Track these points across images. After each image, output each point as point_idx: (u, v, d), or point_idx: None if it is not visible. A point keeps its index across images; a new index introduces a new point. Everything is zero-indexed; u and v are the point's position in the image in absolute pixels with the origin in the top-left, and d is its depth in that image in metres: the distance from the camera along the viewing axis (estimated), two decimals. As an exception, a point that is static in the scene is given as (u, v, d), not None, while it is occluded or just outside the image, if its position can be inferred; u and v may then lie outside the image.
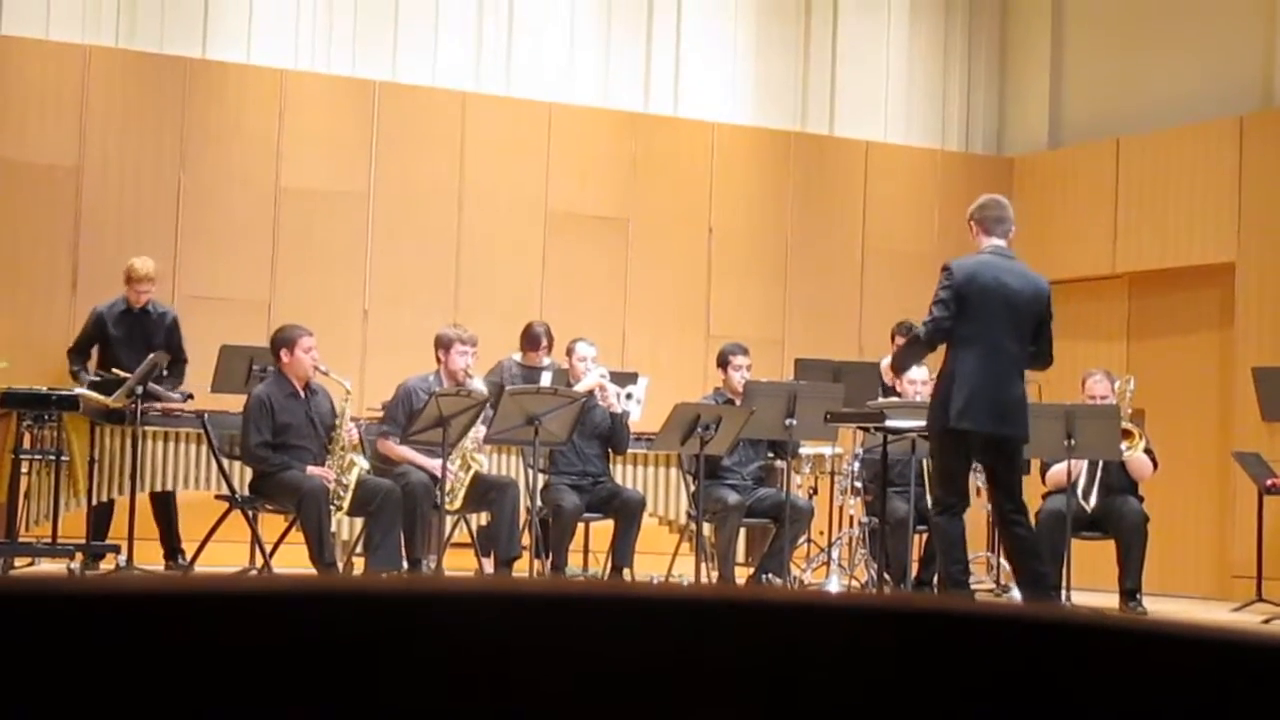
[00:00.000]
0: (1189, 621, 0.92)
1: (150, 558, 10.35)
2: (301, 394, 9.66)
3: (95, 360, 10.89)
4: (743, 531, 10.79)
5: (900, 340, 12.12)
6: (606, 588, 0.88)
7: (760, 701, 0.86)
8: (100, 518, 10.18)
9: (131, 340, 10.72)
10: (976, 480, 9.59)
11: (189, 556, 10.21)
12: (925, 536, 10.83)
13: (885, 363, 9.34)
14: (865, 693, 0.88)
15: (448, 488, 9.68)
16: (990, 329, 8.23)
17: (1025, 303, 8.36)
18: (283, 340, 9.71)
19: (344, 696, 0.84)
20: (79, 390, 9.90)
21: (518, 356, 11.22)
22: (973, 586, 9.31)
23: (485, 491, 9.92)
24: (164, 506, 10.71)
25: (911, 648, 0.89)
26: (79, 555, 9.73)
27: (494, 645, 0.84)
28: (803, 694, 0.86)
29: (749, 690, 0.85)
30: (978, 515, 9.32)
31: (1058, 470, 10.38)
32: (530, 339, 11.16)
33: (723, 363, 10.90)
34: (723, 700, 0.86)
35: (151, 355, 9.98)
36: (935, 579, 9.71)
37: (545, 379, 10.74)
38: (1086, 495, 10.66)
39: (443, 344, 10.10)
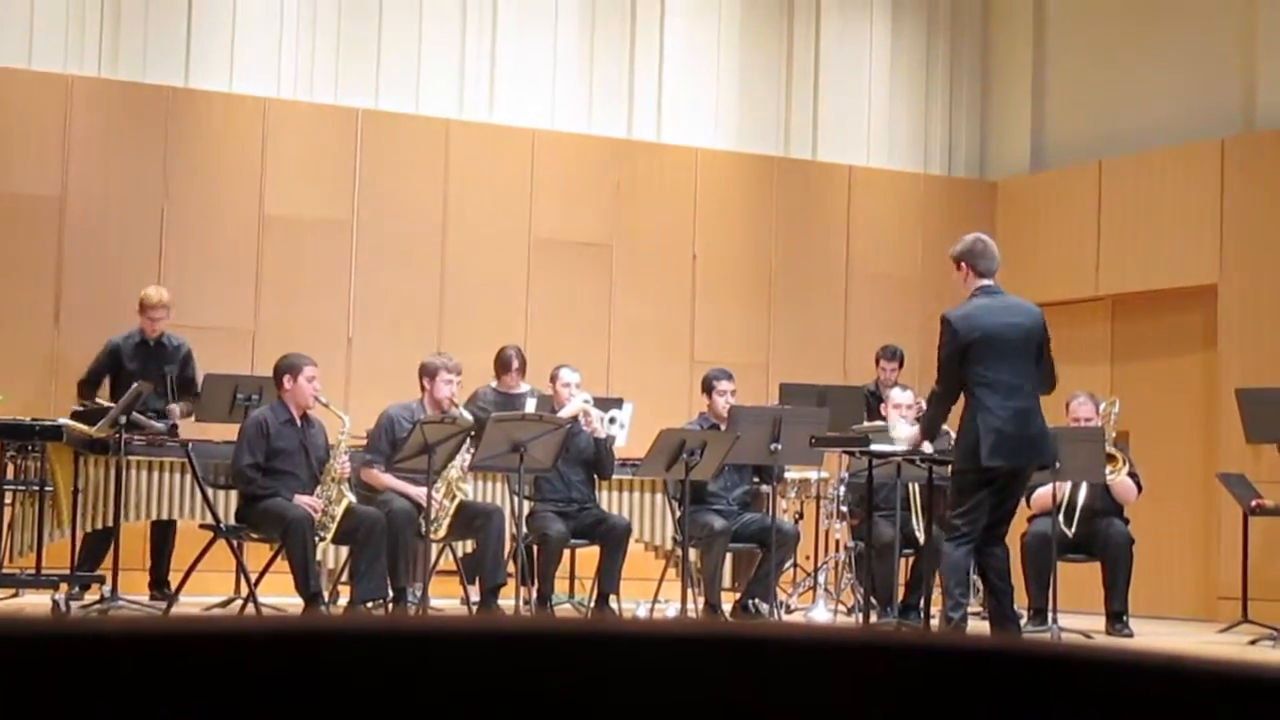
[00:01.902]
0: (1175, 652, 0.92)
1: (135, 588, 10.33)
2: (298, 422, 9.64)
3: (108, 392, 10.83)
4: (729, 557, 10.77)
5: (885, 365, 12.17)
6: (591, 625, 0.87)
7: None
8: (98, 544, 10.14)
9: (146, 371, 10.66)
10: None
11: (174, 586, 10.17)
12: (911, 560, 10.84)
13: (908, 433, 9.37)
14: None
15: (432, 516, 9.66)
16: (1000, 366, 8.35)
17: (1026, 335, 8.48)
18: (286, 367, 9.70)
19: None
20: (62, 420, 9.87)
21: (495, 384, 11.21)
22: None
23: (470, 519, 9.90)
24: (163, 536, 10.70)
25: (898, 682, 0.89)
26: (64, 586, 9.69)
27: (479, 684, 0.84)
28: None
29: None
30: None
31: (1042, 493, 10.40)
32: (501, 363, 11.15)
33: (707, 388, 10.90)
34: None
35: (135, 385, 9.95)
36: (922, 601, 9.72)
37: (530, 405, 10.73)
38: (1069, 518, 10.67)
39: (428, 372, 10.08)
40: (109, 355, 10.92)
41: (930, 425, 8.94)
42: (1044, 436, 8.50)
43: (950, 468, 8.70)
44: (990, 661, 0.89)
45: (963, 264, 8.63)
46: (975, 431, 8.32)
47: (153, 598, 10.52)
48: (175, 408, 10.78)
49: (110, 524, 9.78)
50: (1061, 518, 10.61)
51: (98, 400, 10.54)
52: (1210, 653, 0.91)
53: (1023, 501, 10.70)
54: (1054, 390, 8.84)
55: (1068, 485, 10.59)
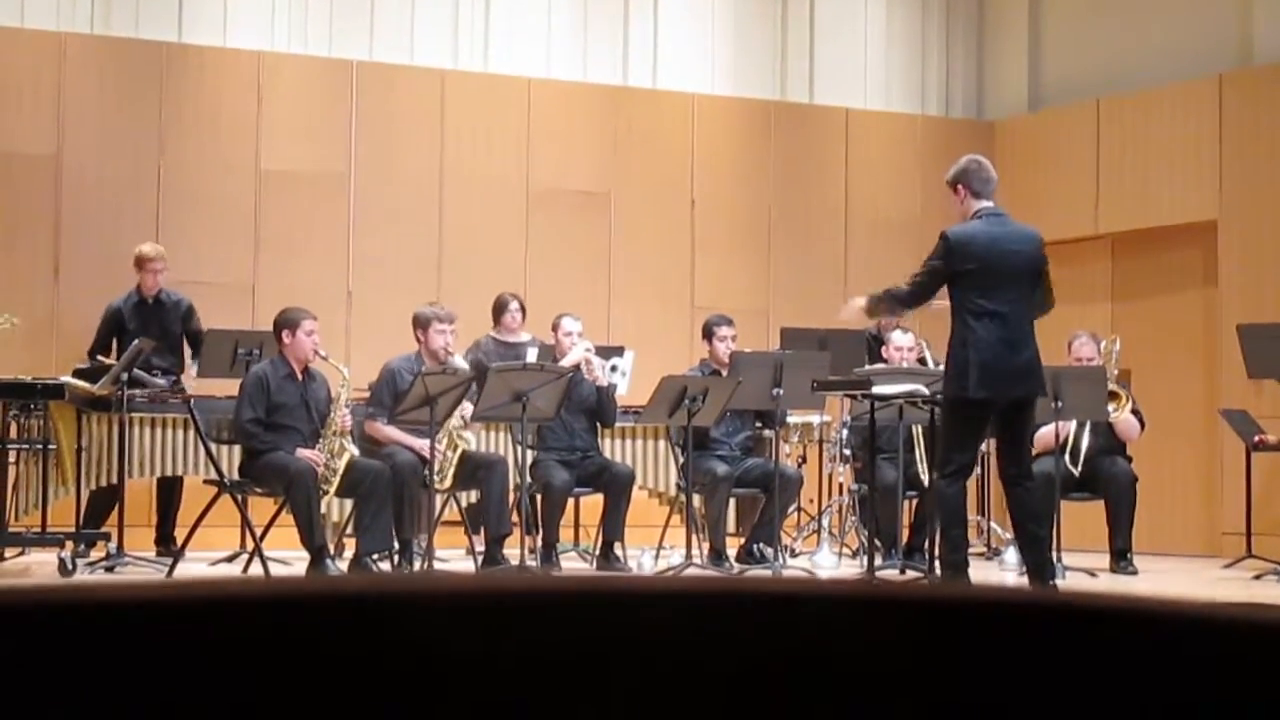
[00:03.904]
0: (1177, 599, 0.92)
1: (141, 544, 10.36)
2: (299, 377, 9.63)
3: (115, 354, 10.83)
4: (732, 502, 10.80)
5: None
6: (580, 583, 0.87)
7: (749, 696, 0.85)
8: (103, 502, 10.15)
9: (148, 330, 10.67)
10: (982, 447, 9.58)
11: (179, 542, 10.19)
12: (915, 502, 10.86)
13: (856, 304, 8.99)
14: (848, 684, 0.87)
15: (436, 467, 9.67)
16: (997, 295, 8.21)
17: (1026, 261, 8.35)
18: (286, 321, 9.69)
19: (318, 705, 0.84)
20: (64, 379, 9.87)
21: (494, 332, 11.21)
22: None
23: (474, 469, 9.91)
24: (169, 492, 10.72)
25: (896, 635, 0.89)
26: (69, 544, 9.71)
27: (476, 648, 0.84)
28: (792, 687, 0.86)
29: (736, 685, 0.85)
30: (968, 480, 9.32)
31: (1045, 432, 10.40)
32: (497, 307, 11.16)
33: (708, 334, 10.90)
34: (711, 697, 0.85)
35: (136, 342, 9.96)
36: (926, 544, 9.73)
37: (531, 355, 10.74)
38: (1075, 459, 10.68)
39: (420, 323, 10.07)
40: (111, 319, 10.94)
41: (877, 306, 8.76)
42: (1033, 366, 8.35)
43: (941, 399, 8.63)
44: (991, 614, 0.89)
45: (959, 186, 8.49)
46: (964, 360, 8.20)
47: (159, 554, 10.54)
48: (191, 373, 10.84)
49: (115, 481, 9.81)
50: (1067, 458, 10.62)
51: (99, 358, 10.53)
52: (1221, 599, 0.91)
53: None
54: (1050, 310, 8.68)
55: (1072, 425, 10.60)
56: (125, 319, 10.88)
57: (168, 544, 10.71)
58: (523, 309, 11.21)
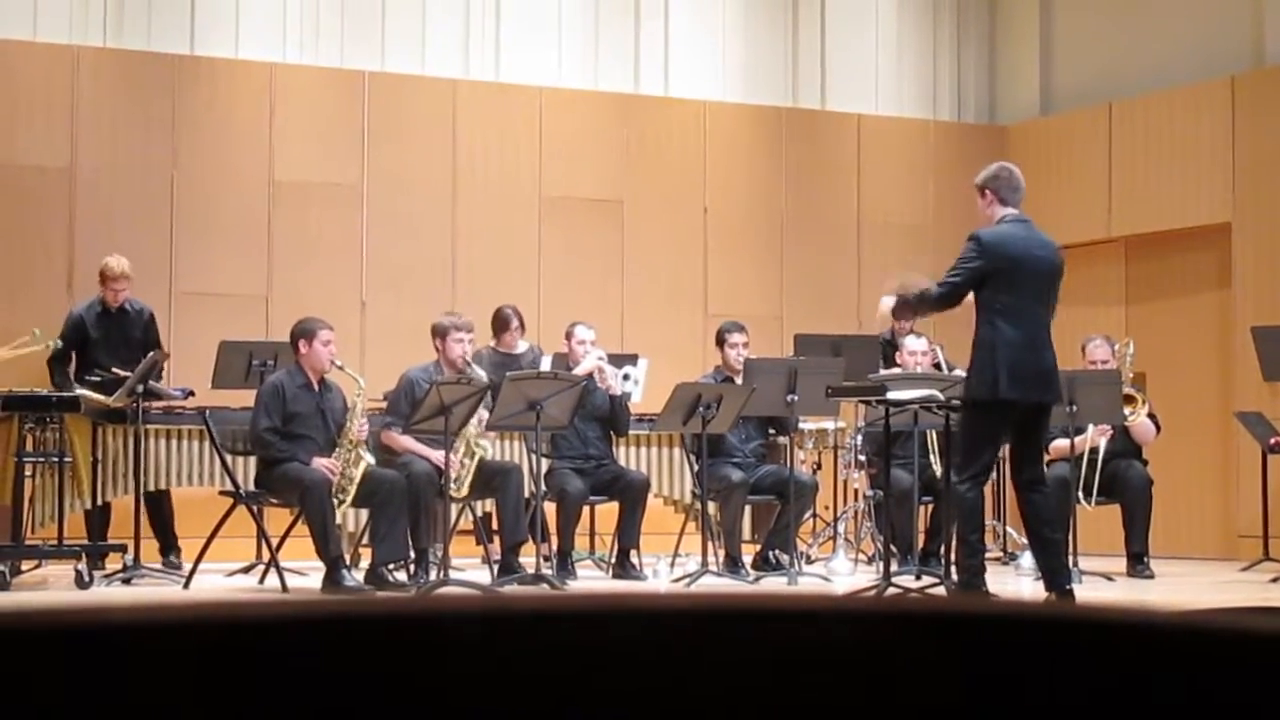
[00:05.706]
0: (1189, 610, 0.92)
1: (156, 556, 10.37)
2: (315, 386, 9.64)
3: (75, 363, 10.84)
4: (748, 509, 10.79)
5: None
6: (589, 601, 0.87)
7: (759, 712, 0.85)
8: (98, 521, 10.15)
9: (110, 340, 10.72)
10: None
11: (196, 553, 10.16)
12: (930, 508, 10.85)
13: (886, 304, 9.05)
14: (861, 698, 0.87)
15: (453, 475, 9.67)
16: (1024, 298, 8.20)
17: (1050, 270, 8.36)
18: (302, 331, 9.71)
19: None
20: (80, 391, 9.89)
21: (493, 344, 11.17)
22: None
23: (489, 478, 9.91)
24: (158, 506, 10.66)
25: (903, 649, 0.89)
26: (85, 556, 9.72)
27: (489, 666, 0.84)
28: (802, 702, 0.86)
29: (749, 701, 0.85)
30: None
31: (1059, 445, 10.40)
32: (499, 322, 11.10)
33: (720, 341, 10.90)
34: (724, 713, 0.85)
35: (151, 354, 9.97)
36: (942, 549, 9.71)
37: (545, 364, 10.74)
38: (1090, 482, 10.66)
39: (439, 333, 10.07)
40: (74, 327, 10.89)
41: (908, 310, 8.74)
42: (1054, 372, 8.38)
43: (963, 400, 8.58)
44: (1005, 627, 0.89)
45: (987, 191, 8.46)
46: (992, 362, 8.16)
47: (164, 564, 10.47)
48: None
49: (118, 496, 9.84)
50: (1083, 478, 10.59)
51: (99, 370, 10.51)
52: (1238, 602, 0.91)
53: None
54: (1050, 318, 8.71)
55: (1087, 445, 10.57)
56: (88, 327, 10.87)
57: (169, 554, 10.67)
58: (522, 324, 11.16)
